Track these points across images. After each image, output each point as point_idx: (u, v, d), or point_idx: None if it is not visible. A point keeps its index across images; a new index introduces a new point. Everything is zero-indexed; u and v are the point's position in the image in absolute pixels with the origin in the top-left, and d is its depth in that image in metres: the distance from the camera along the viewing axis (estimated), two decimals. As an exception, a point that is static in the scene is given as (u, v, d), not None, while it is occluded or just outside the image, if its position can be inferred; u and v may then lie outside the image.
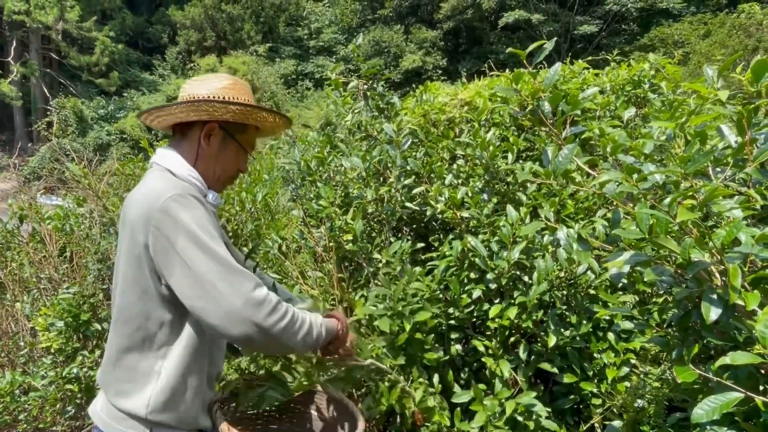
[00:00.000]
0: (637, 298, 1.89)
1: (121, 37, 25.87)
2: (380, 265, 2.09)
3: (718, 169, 1.15)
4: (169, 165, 1.23)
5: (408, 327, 1.72)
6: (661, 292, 1.80)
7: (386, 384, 1.65)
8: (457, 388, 1.88)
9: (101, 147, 20.65)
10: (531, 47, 1.26)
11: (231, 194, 2.97)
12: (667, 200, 0.97)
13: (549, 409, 1.76)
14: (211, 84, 1.27)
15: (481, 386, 1.75)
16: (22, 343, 2.89)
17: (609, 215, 1.96)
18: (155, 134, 22.13)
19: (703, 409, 0.86)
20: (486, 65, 3.45)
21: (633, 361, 1.75)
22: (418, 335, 1.81)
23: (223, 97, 1.25)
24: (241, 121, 1.27)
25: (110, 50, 23.79)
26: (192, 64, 26.45)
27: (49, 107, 22.18)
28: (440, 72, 26.54)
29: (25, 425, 2.66)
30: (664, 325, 1.41)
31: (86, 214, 3.15)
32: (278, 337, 1.07)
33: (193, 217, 1.09)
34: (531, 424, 1.64)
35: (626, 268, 0.98)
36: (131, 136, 22.04)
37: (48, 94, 23.27)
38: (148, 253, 1.11)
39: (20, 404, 2.59)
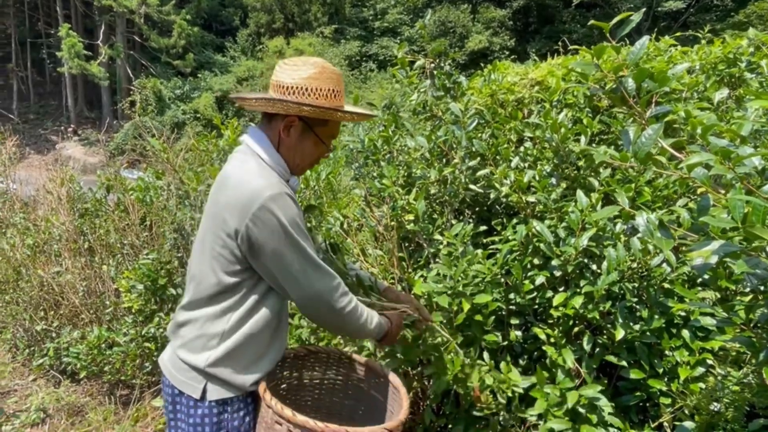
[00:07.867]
0: (718, 295, 1.75)
1: (196, 20, 27.05)
2: (441, 246, 2.08)
3: (830, 155, 1.03)
4: (259, 150, 1.28)
5: (467, 307, 1.70)
6: (747, 290, 1.65)
7: (448, 356, 1.64)
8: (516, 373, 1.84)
9: (177, 125, 21.86)
10: (616, 19, 1.17)
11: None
12: (767, 186, 0.88)
13: (612, 404, 1.69)
14: (297, 72, 1.26)
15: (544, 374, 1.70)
16: (107, 302, 3.16)
17: (691, 204, 1.82)
18: (226, 113, 23.17)
19: (796, 416, 0.79)
20: (559, 44, 3.28)
21: (710, 362, 1.63)
22: (478, 317, 1.79)
23: (305, 88, 1.24)
24: (316, 117, 1.27)
25: (186, 33, 24.97)
26: (261, 46, 27.22)
27: (132, 87, 23.75)
28: (508, 53, 25.51)
29: (109, 376, 2.94)
30: (751, 325, 1.30)
31: (164, 186, 3.36)
32: (343, 318, 1.28)
33: (288, 217, 1.20)
34: (594, 418, 1.58)
35: (713, 259, 0.90)
36: (204, 115, 23.18)
37: (131, 75, 24.92)
38: (236, 237, 1.21)
39: (106, 357, 2.85)
